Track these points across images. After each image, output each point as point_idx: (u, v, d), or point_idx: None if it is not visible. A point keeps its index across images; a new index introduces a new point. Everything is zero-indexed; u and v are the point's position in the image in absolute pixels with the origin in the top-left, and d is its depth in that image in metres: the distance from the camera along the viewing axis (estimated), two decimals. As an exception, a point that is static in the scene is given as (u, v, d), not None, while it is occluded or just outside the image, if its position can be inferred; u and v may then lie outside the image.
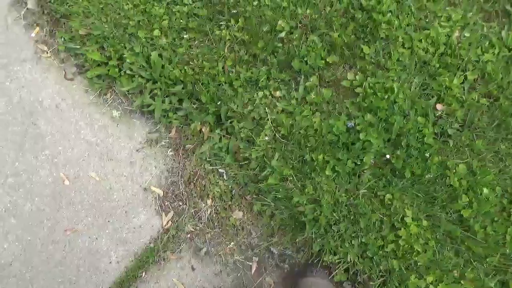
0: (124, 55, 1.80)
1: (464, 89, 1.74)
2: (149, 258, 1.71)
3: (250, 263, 1.70)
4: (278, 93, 1.75)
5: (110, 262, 1.74)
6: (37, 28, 1.96)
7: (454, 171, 1.63)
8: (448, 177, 1.63)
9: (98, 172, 1.82)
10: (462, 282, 1.55)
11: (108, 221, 1.77)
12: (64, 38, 1.90)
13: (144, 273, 1.71)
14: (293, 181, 1.65)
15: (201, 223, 1.74)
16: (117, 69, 1.84)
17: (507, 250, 1.57)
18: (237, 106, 1.72)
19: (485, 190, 1.61)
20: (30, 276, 1.73)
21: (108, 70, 1.84)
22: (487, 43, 1.79)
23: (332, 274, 1.63)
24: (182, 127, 1.83)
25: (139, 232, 1.76)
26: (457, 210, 1.60)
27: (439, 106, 1.72)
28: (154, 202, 1.78)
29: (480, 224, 1.59)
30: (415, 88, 1.73)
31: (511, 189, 1.64)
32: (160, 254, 1.72)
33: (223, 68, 1.78)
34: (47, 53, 1.94)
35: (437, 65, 1.76)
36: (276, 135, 1.69)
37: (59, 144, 1.85)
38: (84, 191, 1.81)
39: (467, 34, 1.81)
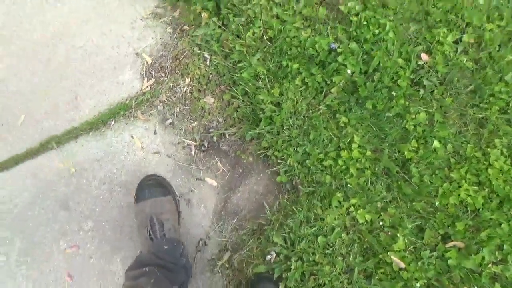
0: None
1: (457, 50, 1.76)
2: (121, 111, 1.89)
3: (204, 143, 1.85)
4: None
5: (87, 105, 1.93)
6: None
7: (414, 117, 1.69)
8: (406, 121, 1.69)
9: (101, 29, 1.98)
10: (382, 214, 1.64)
11: (93, 72, 1.95)
12: None
13: (113, 122, 1.89)
14: (264, 81, 1.76)
15: (175, 97, 1.89)
16: None
17: (436, 203, 1.64)
18: (237, 0, 1.82)
19: (436, 143, 1.67)
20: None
21: None
22: (497, 14, 1.78)
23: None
24: (187, 8, 1.95)
25: (120, 88, 1.93)
26: (402, 152, 1.68)
27: (424, 56, 1.75)
28: (141, 67, 1.94)
29: (419, 171, 1.66)
30: (408, 33, 1.76)
31: (464, 152, 1.69)
32: (131, 111, 1.89)
33: (237, -38, 1.86)
34: None
35: (438, 19, 1.77)
36: (264, 36, 1.78)
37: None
38: (80, 39, 1.97)
39: (481, 2, 1.80)
